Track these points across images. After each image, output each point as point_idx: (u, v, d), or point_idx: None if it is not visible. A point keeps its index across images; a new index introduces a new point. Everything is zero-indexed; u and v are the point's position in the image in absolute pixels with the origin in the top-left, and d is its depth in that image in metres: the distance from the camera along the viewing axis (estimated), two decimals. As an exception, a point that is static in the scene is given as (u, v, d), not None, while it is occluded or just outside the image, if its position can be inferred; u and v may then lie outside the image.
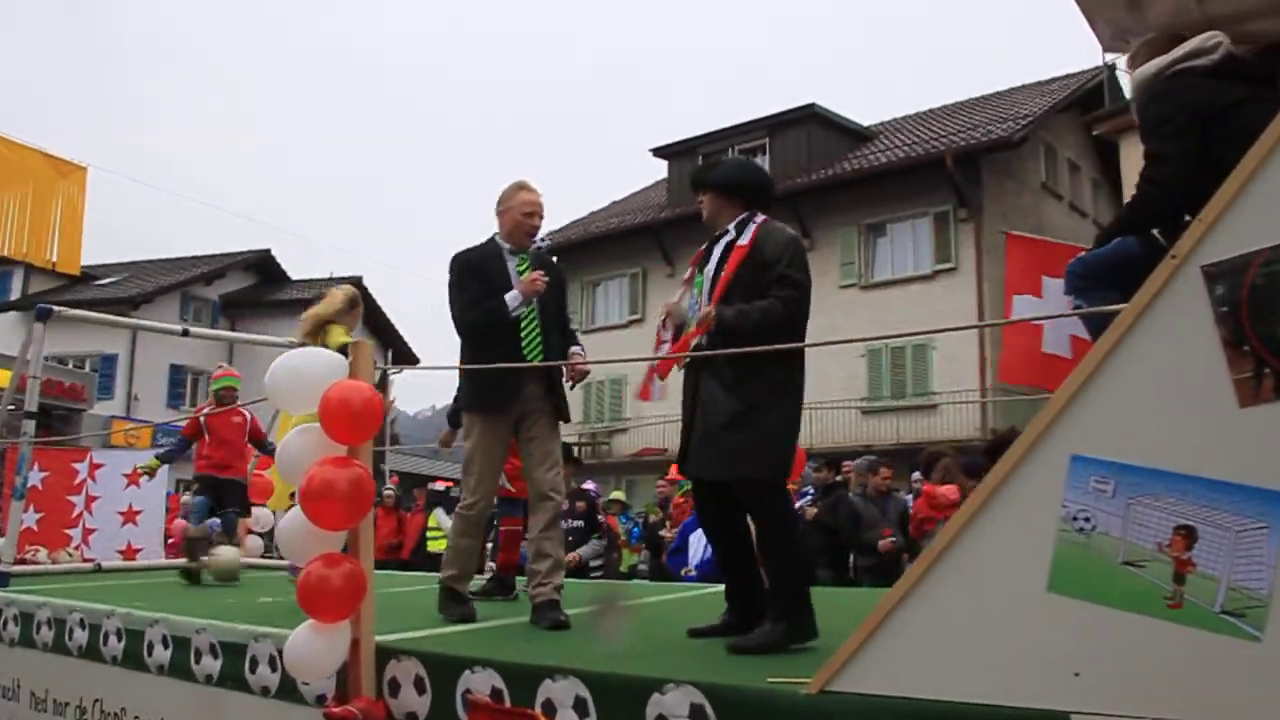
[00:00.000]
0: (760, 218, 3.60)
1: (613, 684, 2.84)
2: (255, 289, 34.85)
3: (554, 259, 4.62)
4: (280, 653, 3.54)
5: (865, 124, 25.52)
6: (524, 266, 4.36)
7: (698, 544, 8.08)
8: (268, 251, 35.23)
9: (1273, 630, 1.99)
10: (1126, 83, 3.26)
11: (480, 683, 3.11)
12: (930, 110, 26.35)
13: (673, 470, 10.38)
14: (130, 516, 8.80)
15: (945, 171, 20.00)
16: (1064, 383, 2.28)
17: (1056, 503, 2.25)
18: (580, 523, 9.22)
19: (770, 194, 3.73)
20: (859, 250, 21.99)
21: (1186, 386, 2.13)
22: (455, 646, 3.48)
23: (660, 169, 27.65)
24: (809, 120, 23.90)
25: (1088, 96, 21.96)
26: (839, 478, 9.30)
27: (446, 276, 4.31)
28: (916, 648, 2.39)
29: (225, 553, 6.98)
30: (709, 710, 2.65)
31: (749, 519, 3.54)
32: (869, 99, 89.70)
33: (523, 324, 4.27)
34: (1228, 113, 2.25)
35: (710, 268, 3.61)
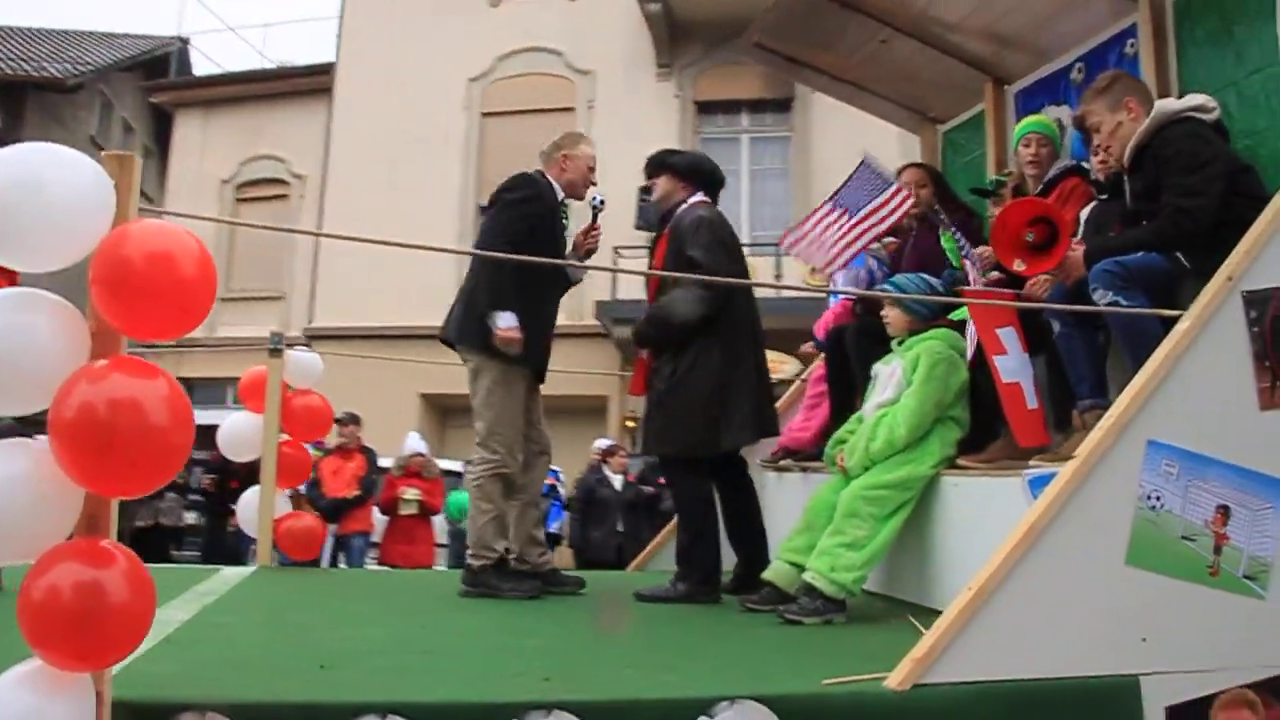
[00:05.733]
0: (693, 199, 3.92)
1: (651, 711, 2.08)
2: None
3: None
4: None
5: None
6: (566, 219, 4.09)
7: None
8: None
9: (1272, 589, 2.49)
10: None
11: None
12: (-16, 27, 22.49)
13: None
14: None
15: (-12, 98, 17.08)
16: (1142, 372, 2.49)
17: (1135, 482, 2.43)
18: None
19: (719, 184, 4.07)
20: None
21: (1229, 387, 2.53)
22: (303, 683, 2.09)
23: None
24: None
25: (156, 63, 20.43)
26: None
27: (507, 191, 3.91)
28: (1011, 629, 2.31)
29: None
30: (783, 726, 2.14)
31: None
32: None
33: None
34: (1237, 175, 2.76)
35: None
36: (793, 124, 13.42)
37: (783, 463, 4.73)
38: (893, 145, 12.81)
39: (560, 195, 4.01)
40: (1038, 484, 2.59)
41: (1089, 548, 2.39)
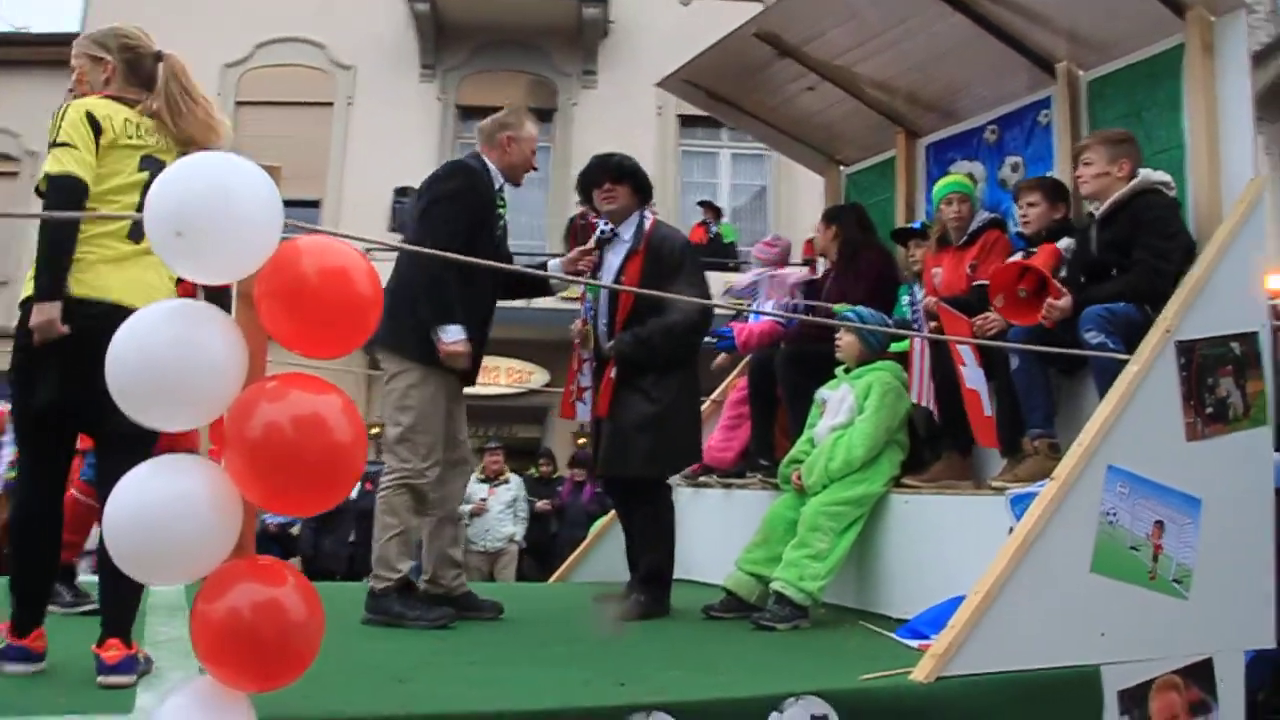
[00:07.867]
0: (649, 216, 3.92)
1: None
2: None
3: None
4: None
5: None
6: (503, 208, 3.77)
7: None
8: None
9: (1193, 592, 2.99)
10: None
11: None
12: None
13: None
14: None
15: None
16: (1103, 406, 2.93)
17: (1098, 501, 2.86)
18: None
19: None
20: None
21: (1165, 422, 3.01)
22: (406, 697, 2.10)
23: None
24: None
25: None
26: None
27: (441, 181, 3.64)
28: (1009, 627, 2.67)
29: None
30: (833, 717, 2.39)
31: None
32: None
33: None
34: (1190, 248, 3.27)
35: (609, 276, 3.85)
36: (554, 135, 13.49)
37: (702, 479, 4.98)
38: (648, 165, 13.31)
39: (499, 182, 3.71)
40: (1019, 501, 2.98)
41: (1064, 556, 2.79)
